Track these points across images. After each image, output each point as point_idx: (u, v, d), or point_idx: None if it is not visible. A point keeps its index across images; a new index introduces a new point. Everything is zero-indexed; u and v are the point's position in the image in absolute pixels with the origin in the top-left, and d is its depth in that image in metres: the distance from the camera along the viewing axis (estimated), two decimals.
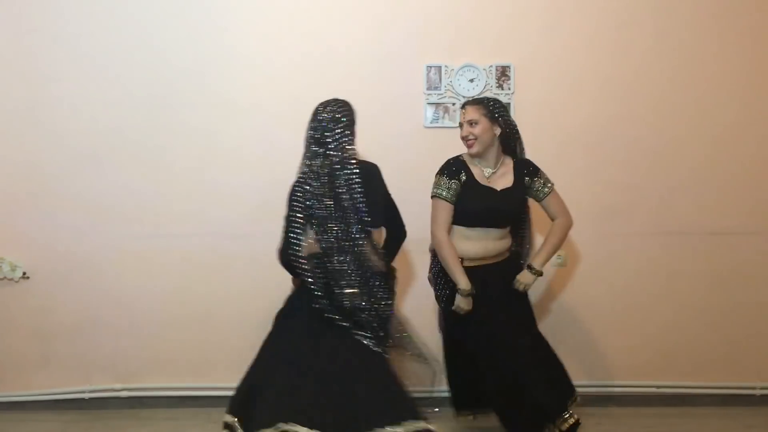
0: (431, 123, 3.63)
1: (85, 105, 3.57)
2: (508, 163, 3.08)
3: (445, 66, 3.61)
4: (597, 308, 3.73)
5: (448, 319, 3.13)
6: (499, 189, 3.01)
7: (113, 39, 3.56)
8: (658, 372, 3.75)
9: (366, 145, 3.61)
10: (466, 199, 2.98)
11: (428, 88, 3.62)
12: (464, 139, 3.03)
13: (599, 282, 3.71)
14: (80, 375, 3.68)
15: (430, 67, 3.62)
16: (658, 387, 3.74)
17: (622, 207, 3.68)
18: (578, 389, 3.62)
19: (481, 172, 3.02)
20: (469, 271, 2.98)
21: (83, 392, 3.68)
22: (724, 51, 3.65)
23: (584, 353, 3.72)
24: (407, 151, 3.62)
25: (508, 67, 3.61)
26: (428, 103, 3.63)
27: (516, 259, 3.16)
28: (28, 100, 3.57)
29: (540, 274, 3.05)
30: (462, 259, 2.99)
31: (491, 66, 3.61)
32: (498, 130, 3.00)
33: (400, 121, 3.63)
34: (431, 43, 3.62)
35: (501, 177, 3.04)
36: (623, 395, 3.74)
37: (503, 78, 3.61)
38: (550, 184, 3.08)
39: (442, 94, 3.62)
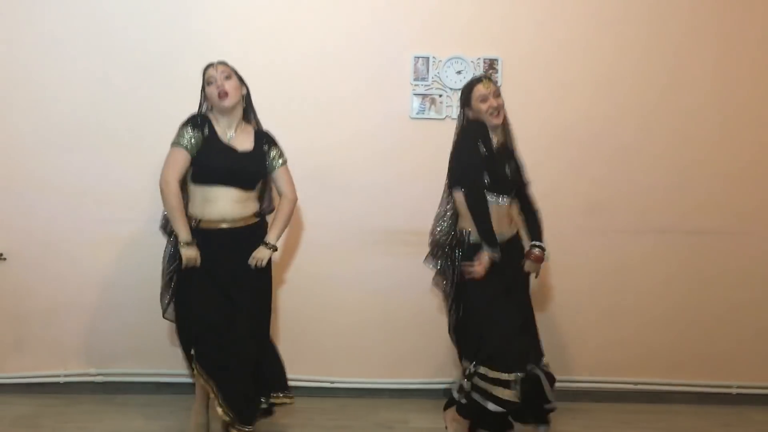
0: (417, 114, 3.62)
1: (61, 88, 3.52)
2: (249, 129, 3.04)
3: (433, 57, 3.59)
4: (578, 304, 3.74)
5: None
6: (239, 150, 2.95)
7: (90, 22, 3.51)
8: (635, 369, 3.77)
9: (351, 134, 3.62)
10: (207, 154, 2.91)
11: (415, 79, 3.60)
12: None
13: (581, 278, 3.72)
14: (55, 359, 3.64)
15: (418, 57, 3.60)
16: (635, 383, 3.76)
17: (607, 204, 3.69)
18: (556, 384, 3.65)
19: (224, 132, 2.97)
20: (208, 234, 2.91)
21: (58, 376, 3.64)
22: (714, 52, 3.66)
23: (563, 348, 3.73)
24: (393, 142, 3.61)
25: (496, 60, 3.60)
26: (415, 94, 3.61)
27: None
28: (3, 84, 3.51)
29: (275, 249, 3.00)
30: (200, 220, 2.93)
31: (479, 58, 3.60)
32: (244, 91, 3.00)
33: (386, 111, 3.62)
34: (419, 33, 3.60)
35: (241, 139, 2.98)
36: (600, 391, 3.75)
37: (491, 71, 3.60)
38: (284, 158, 3.05)
39: (429, 85, 3.60)
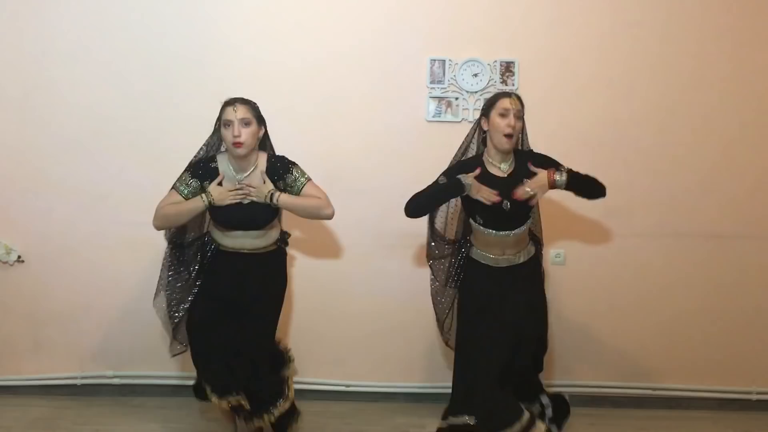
0: (433, 117, 3.60)
1: (80, 91, 3.53)
2: (262, 162, 2.95)
3: (449, 60, 3.57)
4: (595, 308, 3.70)
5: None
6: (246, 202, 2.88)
7: (109, 25, 3.52)
8: (653, 374, 3.73)
9: (367, 137, 3.61)
10: (214, 207, 2.89)
11: (431, 82, 3.59)
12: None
13: (598, 282, 3.68)
14: (72, 361, 3.66)
15: (434, 60, 3.58)
16: (654, 389, 3.72)
17: (624, 208, 3.65)
18: (573, 389, 3.64)
19: (233, 175, 2.91)
20: (226, 255, 2.95)
21: (75, 378, 3.66)
22: (733, 53, 3.61)
23: (580, 353, 3.71)
24: (409, 145, 3.59)
25: (513, 63, 3.57)
26: (431, 97, 3.59)
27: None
28: (22, 87, 3.53)
29: (272, 199, 2.84)
30: (219, 244, 2.96)
31: (496, 61, 3.57)
32: (262, 132, 2.92)
33: (402, 114, 3.60)
34: (435, 36, 3.58)
35: (252, 179, 2.92)
36: (618, 396, 3.72)
37: (507, 74, 3.58)
38: (305, 177, 2.94)
39: (445, 88, 3.58)
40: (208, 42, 3.54)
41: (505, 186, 2.86)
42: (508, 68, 3.57)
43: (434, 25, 3.58)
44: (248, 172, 2.91)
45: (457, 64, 3.58)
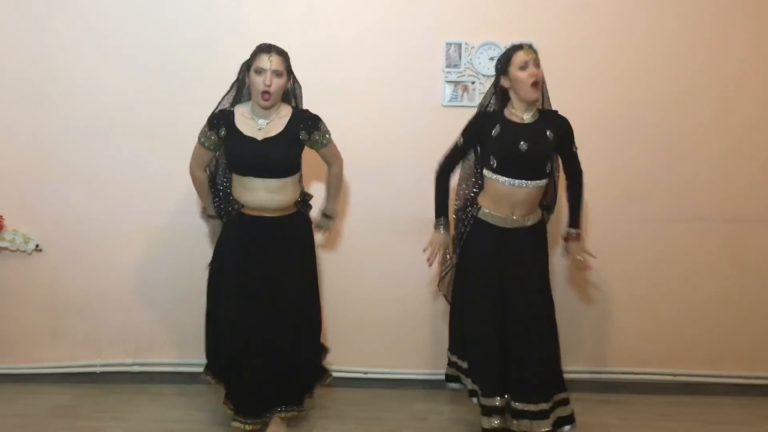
0: (449, 101, 3.56)
1: (94, 80, 3.53)
2: (286, 112, 2.98)
3: (465, 43, 3.53)
4: (615, 294, 3.67)
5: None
6: (261, 138, 2.91)
7: (122, 10, 3.51)
8: (674, 360, 3.69)
9: (383, 122, 3.58)
10: (229, 148, 2.96)
11: (447, 66, 3.54)
12: None
13: (618, 268, 3.64)
14: (91, 349, 3.69)
15: (450, 44, 3.54)
16: (674, 375, 3.68)
17: (642, 192, 3.60)
18: (592, 376, 3.61)
19: (253, 120, 2.95)
20: (249, 220, 2.97)
21: (94, 366, 3.68)
22: (752, 36, 3.53)
23: (600, 339, 3.67)
24: (424, 130, 3.56)
25: (530, 45, 3.50)
26: (447, 81, 3.55)
27: None
28: (36, 74, 3.53)
29: (331, 217, 3.30)
30: (242, 206, 2.98)
31: (512, 44, 3.51)
32: (290, 84, 3.01)
33: (418, 98, 3.56)
34: (451, 19, 3.53)
35: (274, 125, 2.94)
36: (638, 382, 3.68)
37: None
38: (328, 136, 3.03)
39: (461, 72, 3.54)
40: (221, 28, 3.52)
41: (527, 131, 2.88)
42: None
43: (450, 8, 3.53)
44: (270, 119, 2.92)
45: (473, 47, 3.53)
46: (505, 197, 2.91)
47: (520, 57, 2.87)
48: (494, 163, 2.90)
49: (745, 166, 3.60)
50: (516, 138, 2.87)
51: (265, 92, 2.82)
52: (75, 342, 3.68)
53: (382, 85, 3.56)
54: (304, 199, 3.09)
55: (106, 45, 3.52)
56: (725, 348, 3.68)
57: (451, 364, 3.16)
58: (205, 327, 3.14)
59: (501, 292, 2.92)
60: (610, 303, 3.67)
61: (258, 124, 2.91)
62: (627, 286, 3.66)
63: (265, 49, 2.86)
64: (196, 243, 3.59)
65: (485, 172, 2.97)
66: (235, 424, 2.99)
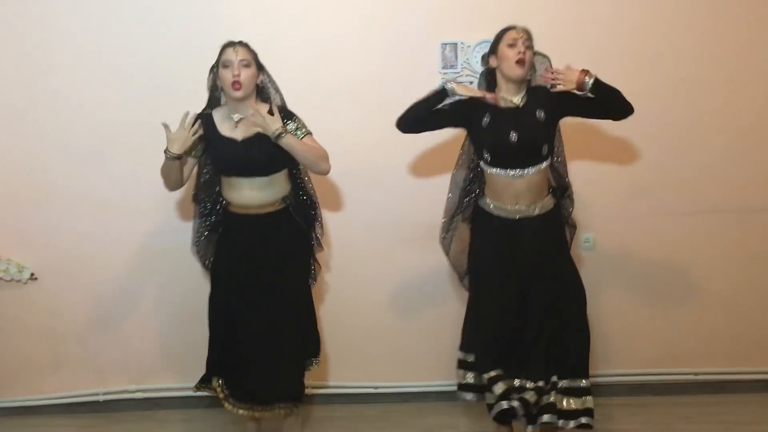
0: (447, 102, 3.46)
1: (85, 99, 3.43)
2: (262, 110, 2.88)
3: (461, 43, 3.43)
4: (629, 292, 3.57)
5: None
6: (241, 138, 2.86)
7: (112, 29, 3.40)
8: (694, 358, 3.60)
9: (380, 125, 3.48)
10: (209, 151, 2.95)
11: (444, 67, 3.45)
12: None
13: (631, 264, 3.55)
14: (93, 377, 3.62)
15: (445, 44, 3.44)
16: (696, 374, 3.59)
17: (654, 185, 3.51)
18: (610, 378, 3.51)
19: (228, 117, 2.90)
20: (236, 218, 2.95)
21: (97, 394, 3.61)
22: (759, 19, 3.42)
23: (615, 339, 3.57)
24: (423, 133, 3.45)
25: (525, 29, 3.40)
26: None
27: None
28: (27, 97, 3.43)
29: (277, 131, 2.80)
30: (229, 203, 2.96)
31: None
32: (260, 78, 2.91)
33: (415, 100, 3.46)
34: (446, 19, 3.43)
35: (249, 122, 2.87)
36: (659, 383, 3.59)
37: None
38: (305, 130, 2.93)
39: (458, 72, 3.44)
40: (216, 41, 3.40)
41: (517, 118, 2.80)
42: None
43: (444, 8, 3.43)
44: (245, 115, 2.86)
45: (469, 46, 3.43)
46: (506, 188, 2.86)
47: (510, 35, 2.82)
48: (488, 157, 2.86)
49: (759, 156, 3.50)
50: (506, 128, 2.80)
51: (235, 82, 2.80)
52: (76, 370, 3.60)
53: (378, 87, 3.47)
54: (297, 194, 3.02)
55: (93, 63, 3.41)
56: (747, 343, 3.59)
57: (459, 364, 3.05)
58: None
59: (519, 285, 2.86)
60: (624, 302, 3.58)
61: (234, 119, 2.87)
62: (640, 283, 3.57)
63: (230, 44, 2.88)
64: (197, 263, 3.49)
65: (482, 165, 2.93)
66: (241, 411, 3.01)
